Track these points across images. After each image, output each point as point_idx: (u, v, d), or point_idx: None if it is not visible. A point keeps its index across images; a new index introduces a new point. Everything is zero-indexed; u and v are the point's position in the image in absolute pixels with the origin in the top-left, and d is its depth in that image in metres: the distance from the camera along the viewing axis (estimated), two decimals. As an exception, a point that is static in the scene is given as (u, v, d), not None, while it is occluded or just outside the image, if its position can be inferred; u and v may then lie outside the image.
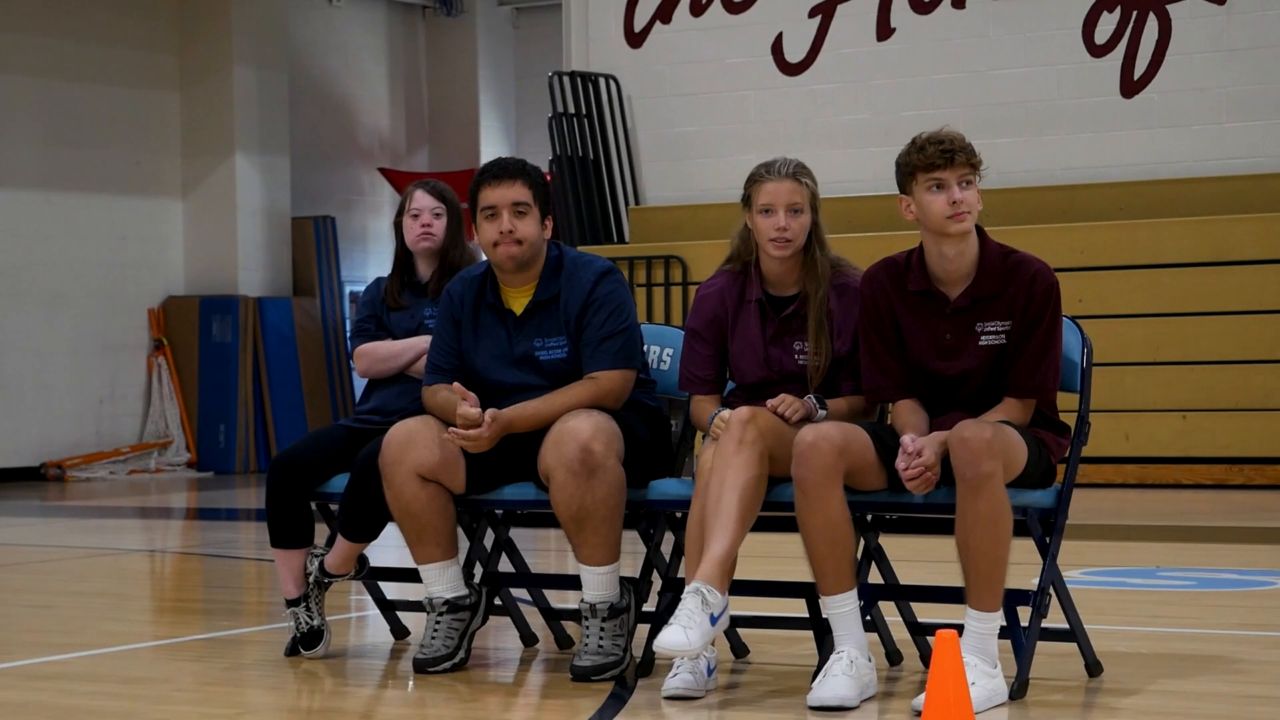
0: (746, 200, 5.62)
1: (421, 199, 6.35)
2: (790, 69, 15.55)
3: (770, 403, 5.40)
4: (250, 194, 17.78)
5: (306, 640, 6.10)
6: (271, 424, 17.54)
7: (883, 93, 15.10)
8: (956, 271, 5.35)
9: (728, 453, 5.28)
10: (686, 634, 5.07)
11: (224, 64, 17.60)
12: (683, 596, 5.17)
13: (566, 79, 15.79)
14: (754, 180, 5.61)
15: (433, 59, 20.42)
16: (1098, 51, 14.43)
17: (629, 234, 15.85)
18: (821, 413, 5.43)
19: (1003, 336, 5.34)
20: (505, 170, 5.83)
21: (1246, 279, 13.21)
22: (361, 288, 6.63)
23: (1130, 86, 14.33)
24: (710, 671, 5.34)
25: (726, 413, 5.41)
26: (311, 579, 6.13)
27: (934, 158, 5.25)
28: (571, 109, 15.75)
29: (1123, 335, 13.36)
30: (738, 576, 5.32)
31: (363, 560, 6.22)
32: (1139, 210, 13.96)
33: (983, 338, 5.35)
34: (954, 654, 3.84)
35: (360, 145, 19.80)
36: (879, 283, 5.44)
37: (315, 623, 6.11)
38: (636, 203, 16.02)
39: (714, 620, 5.14)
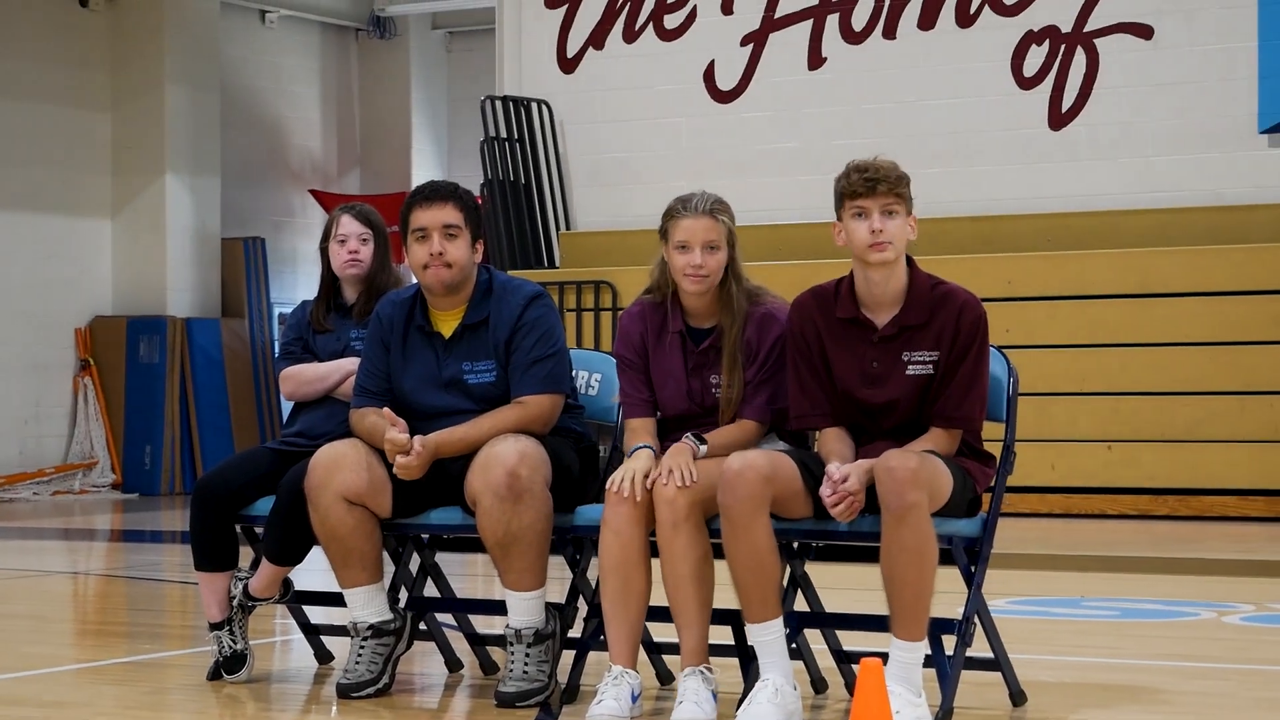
0: (663, 234, 5.60)
1: (348, 225, 6.31)
2: (722, 96, 15.62)
3: (657, 490, 5.34)
4: (180, 214, 17.72)
5: (229, 664, 6.06)
6: (198, 446, 17.44)
7: (813, 121, 15.18)
8: (883, 298, 5.38)
9: (666, 538, 5.30)
10: (700, 708, 5.22)
11: (155, 84, 17.54)
12: (681, 679, 5.31)
13: (499, 103, 15.80)
14: (671, 215, 5.59)
15: (365, 81, 20.41)
16: (1026, 84, 14.56)
17: (559, 259, 15.86)
18: (702, 448, 5.42)
19: (930, 366, 5.36)
20: (437, 192, 5.82)
21: (1172, 311, 13.33)
22: (291, 309, 6.59)
23: (1058, 119, 14.45)
24: (635, 699, 5.34)
25: (639, 475, 5.38)
26: (236, 602, 6.11)
27: (857, 185, 5.28)
28: (504, 133, 15.77)
29: (1049, 366, 13.45)
30: (659, 603, 5.34)
31: (287, 584, 6.20)
32: (1066, 242, 14.07)
33: (910, 367, 5.37)
34: (878, 682, 3.85)
35: (291, 167, 19.75)
36: (807, 310, 5.45)
37: (239, 647, 6.08)
38: (567, 227, 16.04)
39: (714, 698, 5.28)
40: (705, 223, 5.54)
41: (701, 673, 5.31)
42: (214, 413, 17.66)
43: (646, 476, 5.35)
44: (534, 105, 16.01)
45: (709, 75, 15.64)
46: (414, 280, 5.95)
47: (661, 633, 5.47)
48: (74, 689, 6.29)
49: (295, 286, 19.35)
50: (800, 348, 5.45)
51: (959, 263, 13.35)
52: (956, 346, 5.34)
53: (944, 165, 14.59)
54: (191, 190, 17.81)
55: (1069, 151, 14.42)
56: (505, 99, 15.89)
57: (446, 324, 5.85)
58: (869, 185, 5.28)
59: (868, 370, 5.40)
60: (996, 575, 6.42)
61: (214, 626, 6.10)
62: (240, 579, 6.12)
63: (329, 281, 6.39)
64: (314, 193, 19.66)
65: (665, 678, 5.94)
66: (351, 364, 6.16)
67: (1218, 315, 13.22)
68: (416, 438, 5.62)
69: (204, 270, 18.02)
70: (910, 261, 5.41)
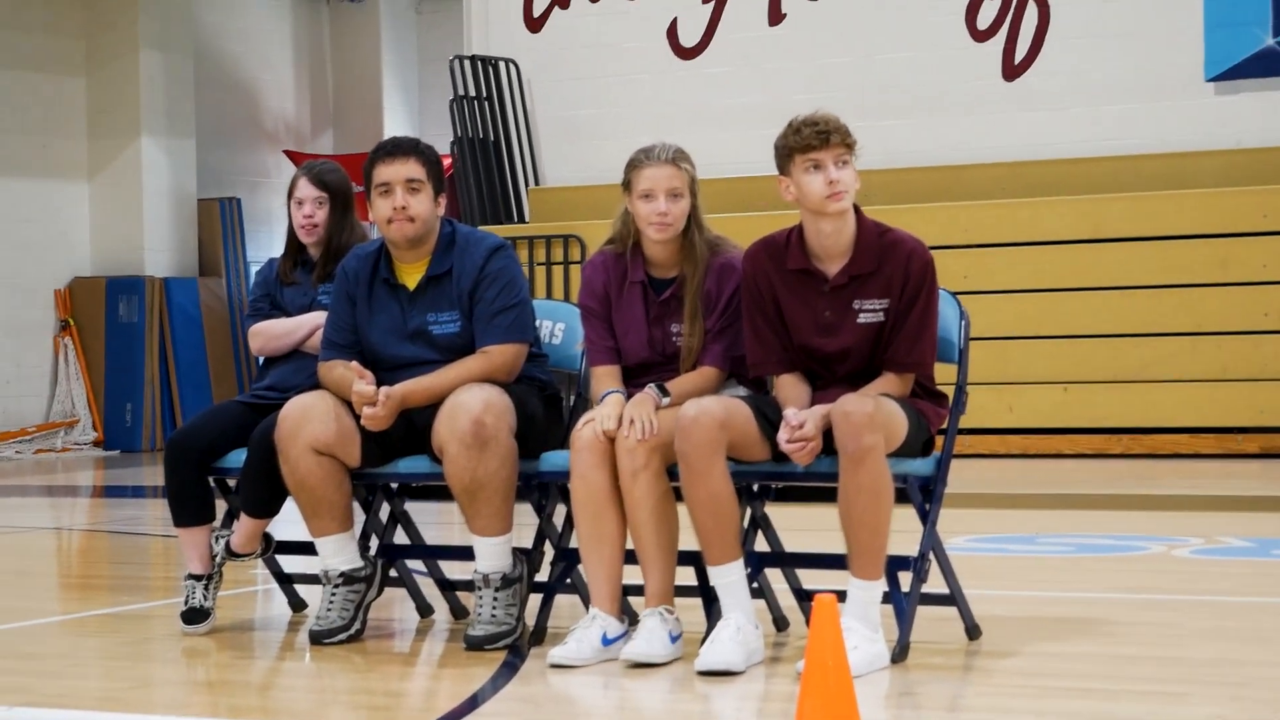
0: (627, 185, 5.67)
1: (304, 188, 6.34)
2: (684, 53, 15.73)
3: (618, 439, 5.44)
4: (156, 176, 17.80)
5: (192, 615, 6.11)
6: (178, 403, 17.58)
7: (774, 76, 15.28)
8: (834, 249, 5.46)
9: (627, 485, 5.41)
10: (651, 645, 5.32)
11: (130, 48, 17.56)
12: (641, 618, 5.40)
13: (467, 63, 15.89)
14: (634, 165, 5.66)
15: (337, 44, 20.43)
16: (980, 36, 14.68)
17: (529, 214, 15.98)
18: (665, 399, 5.52)
19: (881, 314, 5.45)
20: (399, 147, 5.88)
21: (1123, 255, 13.48)
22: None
23: (1011, 70, 14.59)
24: (609, 641, 5.41)
25: (611, 420, 5.47)
26: (219, 560, 6.18)
27: (810, 139, 5.35)
28: (472, 92, 15.86)
29: (1005, 310, 13.59)
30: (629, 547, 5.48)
31: (268, 539, 6.27)
32: (1020, 190, 14.20)
33: (861, 315, 5.45)
34: (833, 618, 3.88)
35: (265, 128, 19.81)
36: (759, 261, 5.53)
37: (207, 604, 6.14)
38: (536, 183, 16.16)
39: (673, 639, 5.39)
40: (668, 171, 5.62)
41: (661, 614, 5.40)
42: (193, 370, 17.77)
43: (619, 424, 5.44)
44: (502, 64, 16.10)
45: (672, 32, 15.75)
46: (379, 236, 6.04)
47: (630, 575, 5.59)
48: (55, 640, 6.35)
49: (271, 246, 19.34)
50: (754, 297, 5.54)
51: (916, 211, 13.49)
52: (906, 293, 5.43)
53: (901, 117, 14.73)
54: (167, 152, 17.87)
55: (1022, 102, 14.55)
56: (473, 59, 15.97)
57: (411, 277, 5.92)
58: (822, 138, 5.36)
59: (820, 320, 5.48)
60: (954, 515, 6.53)
61: (193, 576, 6.18)
62: (222, 537, 6.19)
63: (295, 238, 6.43)
64: (288, 153, 19.70)
65: (634, 619, 6.04)
66: (318, 318, 6.22)
67: (1168, 259, 13.37)
68: (382, 389, 5.68)
69: (181, 231, 18.11)
70: (857, 210, 5.49)
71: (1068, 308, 13.62)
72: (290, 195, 6.40)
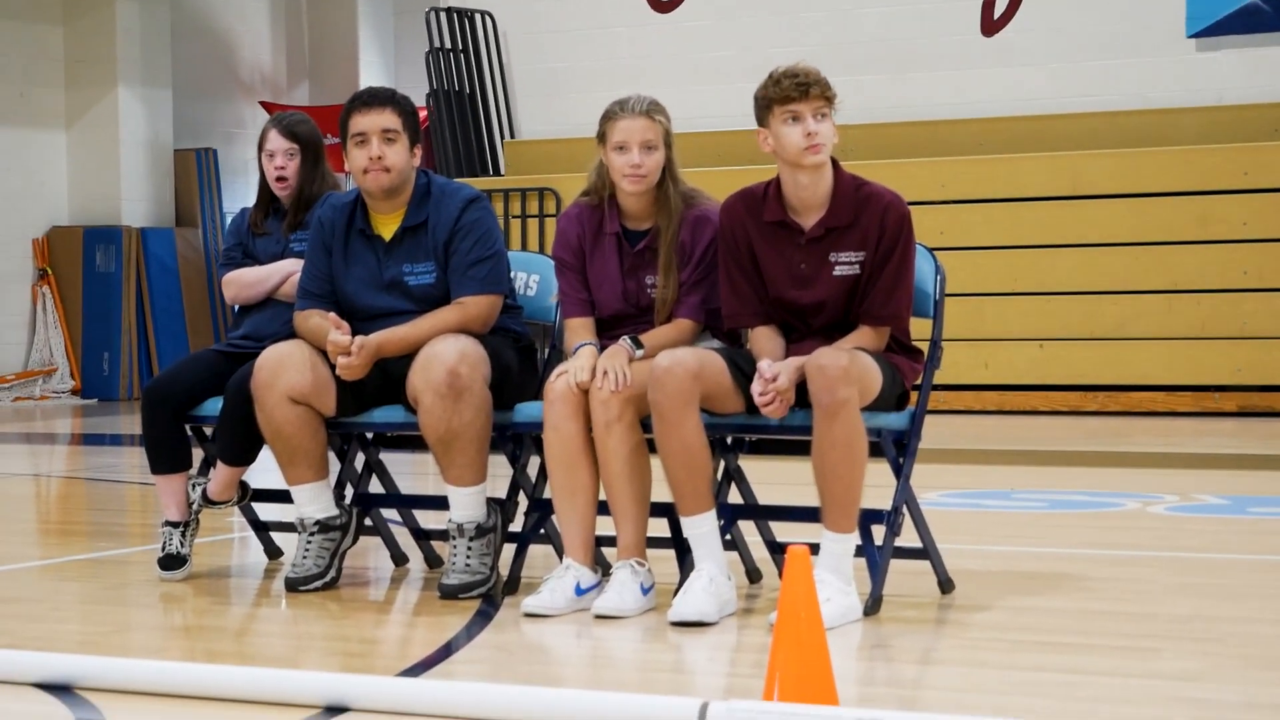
0: (601, 137, 5.66)
1: (274, 140, 6.35)
2: (661, 6, 15.70)
3: (591, 391, 5.45)
4: (133, 126, 17.81)
5: (168, 562, 6.15)
6: (155, 352, 17.64)
7: (750, 30, 15.26)
8: (811, 201, 5.46)
9: (600, 437, 5.42)
10: (621, 598, 5.35)
11: (107, -2, 17.55)
12: (613, 570, 5.43)
13: (443, 14, 15.85)
14: (608, 117, 5.66)
15: (313, -6, 20.42)
16: (959, -10, 14.68)
17: (504, 166, 15.95)
18: (639, 351, 5.53)
19: (857, 267, 5.45)
20: (375, 98, 5.88)
21: (1100, 212, 13.50)
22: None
23: (990, 25, 14.58)
24: (582, 591, 5.44)
25: (584, 372, 5.47)
26: (195, 507, 6.21)
27: (790, 91, 5.35)
28: (448, 44, 15.82)
29: (982, 266, 13.62)
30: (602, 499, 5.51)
31: (244, 487, 6.29)
32: (998, 146, 14.21)
33: (837, 268, 5.46)
34: (805, 570, 3.87)
35: (242, 79, 19.80)
36: (736, 213, 5.54)
37: (184, 551, 6.17)
38: (512, 136, 16.13)
39: (645, 591, 5.41)
40: (642, 123, 5.62)
41: (632, 566, 5.43)
42: (169, 319, 17.83)
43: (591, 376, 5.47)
44: (478, 16, 16.04)
45: (649, -15, 15.73)
46: (354, 186, 6.04)
47: (603, 526, 5.61)
48: (34, 585, 6.38)
49: (247, 196, 19.25)
50: (730, 249, 5.54)
51: (894, 167, 13.49)
52: (882, 246, 5.43)
53: (879, 72, 14.71)
54: (144, 102, 17.87)
55: (1001, 57, 14.55)
56: (449, 10, 15.92)
57: (386, 227, 5.93)
58: (801, 89, 5.36)
59: (796, 272, 5.49)
60: (929, 470, 6.56)
61: (170, 524, 6.20)
62: (198, 485, 6.22)
63: (267, 188, 6.44)
64: (264, 104, 19.68)
65: (608, 570, 6.06)
66: (291, 265, 6.24)
67: (1146, 216, 13.39)
68: (357, 338, 5.69)
69: (158, 181, 18.13)
70: (835, 164, 5.49)
71: (1045, 264, 13.64)
72: (261, 148, 6.41)
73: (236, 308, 6.45)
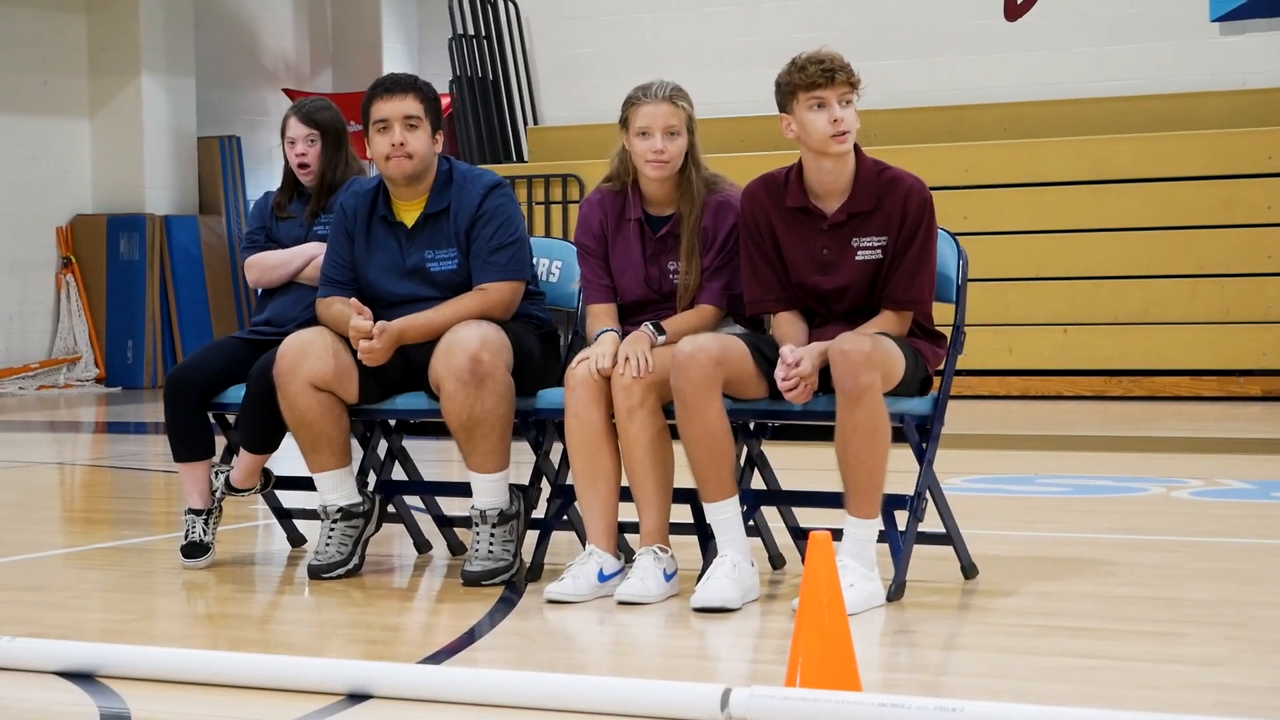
0: (624, 123, 5.65)
1: (295, 127, 6.35)
2: (685, -8, 15.69)
3: (614, 377, 5.45)
4: (157, 114, 17.83)
5: (191, 550, 6.16)
6: (178, 340, 17.67)
7: (772, 15, 15.24)
8: (833, 186, 5.45)
9: (623, 423, 5.42)
10: (645, 584, 5.34)
11: (130, -14, 17.58)
12: (636, 556, 5.42)
13: (467, 1, 15.83)
14: (631, 103, 5.65)
15: (336, -20, 20.43)
16: (982, -25, 14.64)
17: (528, 153, 15.96)
18: (661, 337, 5.52)
19: (879, 251, 5.45)
20: (397, 84, 5.88)
21: (1124, 197, 13.46)
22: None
23: (1013, 10, 14.54)
24: (605, 578, 5.44)
25: (606, 359, 5.48)
26: (218, 496, 6.21)
27: (815, 77, 5.34)
28: (471, 31, 15.82)
29: (1006, 251, 13.59)
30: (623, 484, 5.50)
31: (268, 474, 6.30)
32: (1022, 130, 14.17)
33: (859, 253, 5.45)
34: (828, 555, 3.88)
35: (265, 66, 19.81)
36: (758, 199, 5.53)
37: (206, 539, 6.18)
38: (535, 122, 16.13)
39: (668, 577, 5.40)
40: (665, 108, 5.61)
41: (655, 552, 5.42)
42: (193, 307, 17.86)
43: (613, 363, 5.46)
44: (501, 2, 16.06)
45: (671, -29, 15.71)
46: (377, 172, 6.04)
47: (626, 512, 5.61)
48: (58, 573, 6.40)
49: (271, 183, 19.19)
50: (752, 235, 5.53)
51: (918, 152, 13.46)
52: (904, 231, 5.42)
53: (902, 57, 14.68)
54: (167, 90, 17.90)
55: (1024, 41, 14.50)
56: (473, -3, 15.95)
57: (409, 214, 5.93)
58: (827, 76, 5.34)
59: (818, 257, 5.48)
60: (953, 455, 6.55)
61: (193, 512, 6.21)
62: (222, 472, 6.23)
63: (292, 174, 6.43)
64: (287, 91, 19.68)
65: (630, 556, 6.07)
66: (314, 249, 6.24)
67: (1170, 200, 13.35)
68: (378, 323, 5.69)
69: (181, 169, 18.15)
70: (857, 149, 5.47)
71: (1069, 249, 13.61)
72: (283, 135, 6.42)
73: (260, 292, 6.46)
